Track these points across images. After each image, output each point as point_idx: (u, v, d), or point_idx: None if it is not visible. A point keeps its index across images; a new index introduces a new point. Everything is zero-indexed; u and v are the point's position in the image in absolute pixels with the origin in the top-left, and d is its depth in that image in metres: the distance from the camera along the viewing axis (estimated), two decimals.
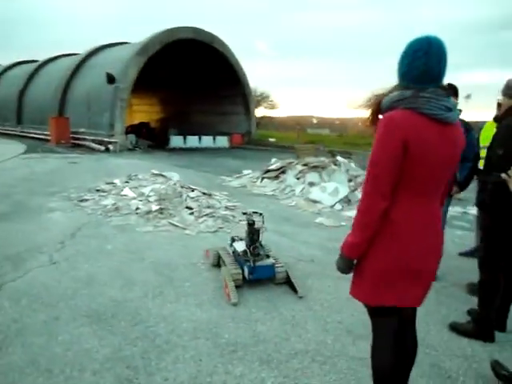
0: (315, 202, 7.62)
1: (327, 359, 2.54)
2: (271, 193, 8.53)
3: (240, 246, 3.74)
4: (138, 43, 18.41)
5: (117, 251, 4.31)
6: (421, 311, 3.28)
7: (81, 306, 3.03)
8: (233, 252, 3.87)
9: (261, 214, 3.63)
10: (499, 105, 4.39)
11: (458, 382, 2.42)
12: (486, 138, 3.94)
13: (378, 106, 1.73)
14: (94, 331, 2.70)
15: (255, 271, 3.45)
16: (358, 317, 3.12)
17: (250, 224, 3.59)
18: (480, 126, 4.44)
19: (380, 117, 1.81)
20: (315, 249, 4.82)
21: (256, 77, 37.87)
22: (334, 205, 7.41)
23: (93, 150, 16.58)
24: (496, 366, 2.42)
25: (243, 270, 3.53)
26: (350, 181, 7.95)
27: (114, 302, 3.12)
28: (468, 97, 43.65)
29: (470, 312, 3.21)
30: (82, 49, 23.17)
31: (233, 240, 3.78)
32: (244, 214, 3.68)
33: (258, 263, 3.47)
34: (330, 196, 7.67)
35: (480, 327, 2.89)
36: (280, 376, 2.35)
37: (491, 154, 2.78)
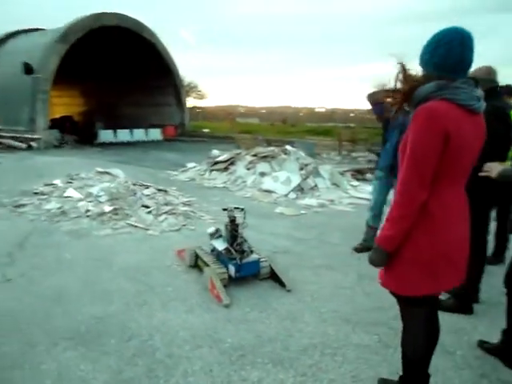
0: (269, 191, 7.63)
1: (336, 350, 2.54)
2: (222, 185, 8.38)
3: (219, 244, 3.59)
4: (57, 29, 16.76)
5: (79, 260, 3.91)
6: None
7: (57, 328, 2.68)
8: (212, 250, 3.70)
9: (242, 209, 3.51)
10: None
11: (456, 355, 2.55)
12: None
13: (407, 95, 1.70)
14: (83, 354, 2.40)
15: (242, 269, 3.33)
16: (349, 304, 3.17)
17: (232, 220, 3.46)
18: None
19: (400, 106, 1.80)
20: (284, 239, 4.81)
21: (180, 66, 36.76)
22: (288, 194, 7.49)
23: (13, 148, 14.94)
24: (483, 345, 2.60)
25: (227, 269, 3.39)
26: (301, 169, 8.07)
27: (96, 319, 2.81)
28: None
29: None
30: None
31: (213, 235, 3.61)
32: (224, 210, 3.52)
33: (244, 260, 3.35)
34: (283, 185, 7.72)
35: (460, 302, 3.09)
36: (297, 375, 2.29)
37: None
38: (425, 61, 1.69)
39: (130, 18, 19.46)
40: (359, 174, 10.19)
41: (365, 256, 4.29)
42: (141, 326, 2.73)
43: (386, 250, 1.69)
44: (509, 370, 2.39)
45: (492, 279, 3.23)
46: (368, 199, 7.36)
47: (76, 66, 21.51)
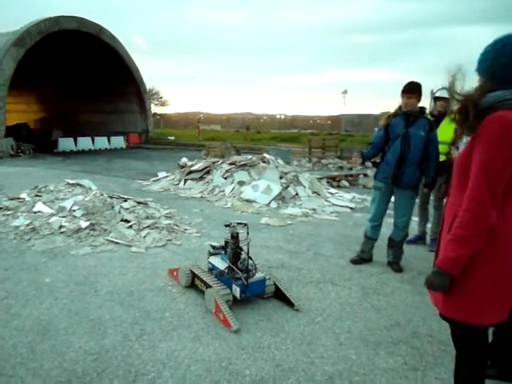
0: (249, 201, 7.42)
1: (364, 378, 2.36)
2: (199, 195, 8.08)
3: (220, 263, 3.34)
4: (12, 32, 15.69)
5: (60, 284, 3.51)
6: (411, 306, 3.32)
7: (49, 369, 2.32)
8: (210, 269, 3.44)
9: (245, 225, 3.27)
10: (435, 99, 4.72)
11: None
12: (443, 134, 4.19)
13: (469, 108, 1.55)
14: None
15: (248, 289, 3.10)
16: (362, 322, 3.02)
17: (235, 237, 3.22)
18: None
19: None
20: (277, 253, 4.62)
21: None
22: (269, 203, 7.31)
23: None
24: None
25: (231, 289, 3.15)
26: (280, 178, 7.93)
27: (92, 355, 2.47)
28: (345, 92, 48.20)
29: None
30: None
31: (213, 252, 3.37)
32: (227, 226, 3.27)
33: (250, 280, 3.12)
34: (264, 194, 7.54)
35: None
36: None
37: None
38: (483, 69, 1.56)
39: (91, 21, 18.70)
40: (334, 181, 10.22)
41: (364, 268, 4.24)
42: (144, 362, 2.43)
43: (451, 274, 1.54)
44: None
45: None
46: (350, 207, 7.39)
47: (32, 70, 20.40)
